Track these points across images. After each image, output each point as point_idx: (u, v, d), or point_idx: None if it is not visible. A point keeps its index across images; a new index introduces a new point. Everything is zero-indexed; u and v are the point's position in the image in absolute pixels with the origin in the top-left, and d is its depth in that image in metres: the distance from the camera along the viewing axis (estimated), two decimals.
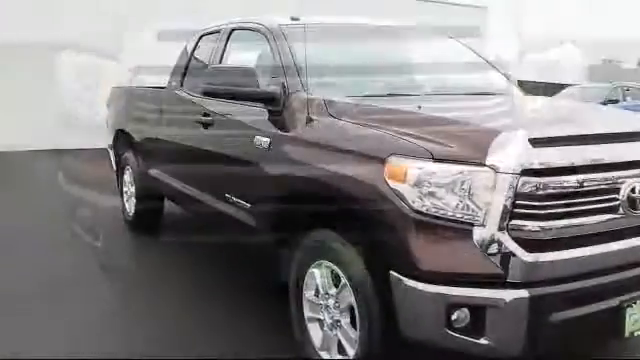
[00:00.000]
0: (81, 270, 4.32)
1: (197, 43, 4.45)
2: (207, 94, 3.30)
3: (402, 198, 2.21)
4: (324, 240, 2.66)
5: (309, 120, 2.81)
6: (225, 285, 4.05)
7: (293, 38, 3.33)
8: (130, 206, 5.54)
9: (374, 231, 2.36)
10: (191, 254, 4.73)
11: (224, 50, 3.92)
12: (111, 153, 6.13)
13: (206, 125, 3.75)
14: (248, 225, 3.29)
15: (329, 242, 2.61)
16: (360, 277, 2.42)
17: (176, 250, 4.83)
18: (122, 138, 5.60)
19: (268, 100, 3.13)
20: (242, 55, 3.79)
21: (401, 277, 2.22)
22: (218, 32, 4.12)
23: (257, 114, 3.22)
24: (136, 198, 5.28)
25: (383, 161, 2.29)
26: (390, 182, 2.25)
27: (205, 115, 3.78)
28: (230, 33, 3.94)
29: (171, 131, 4.41)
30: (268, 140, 3.03)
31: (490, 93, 3.45)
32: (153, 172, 4.82)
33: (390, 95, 3.07)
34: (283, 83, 3.12)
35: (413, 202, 2.19)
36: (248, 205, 3.30)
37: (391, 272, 2.26)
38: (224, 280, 4.16)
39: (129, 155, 5.41)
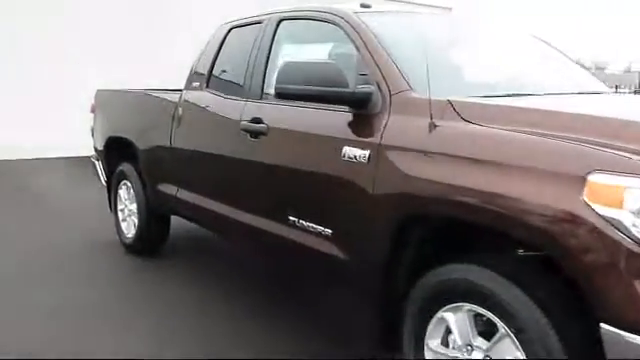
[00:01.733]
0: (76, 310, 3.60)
1: (225, 37, 3.81)
2: (280, 95, 2.68)
3: (619, 228, 1.69)
4: (466, 278, 2.10)
5: (433, 126, 2.25)
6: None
7: (377, 29, 2.77)
8: (129, 226, 4.82)
9: (564, 269, 1.83)
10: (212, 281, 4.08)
11: (272, 44, 3.30)
12: (98, 165, 5.38)
13: (256, 134, 3.13)
14: (329, 255, 2.70)
15: (476, 280, 2.06)
16: (538, 328, 1.88)
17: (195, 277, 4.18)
18: (118, 147, 4.87)
19: (360, 102, 2.55)
20: (299, 49, 3.20)
21: (622, 332, 1.69)
22: (258, 23, 3.50)
23: (337, 119, 2.65)
24: (139, 217, 4.56)
25: (581, 179, 1.76)
26: (596, 206, 1.73)
27: (255, 121, 3.15)
28: (278, 24, 3.32)
29: (197, 140, 3.75)
30: (367, 152, 2.45)
31: (602, 92, 3.00)
32: (165, 188, 4.14)
33: (511, 95, 2.54)
34: (378, 82, 2.55)
35: (636, 233, 1.68)
36: (329, 231, 2.71)
37: (603, 325, 1.73)
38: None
39: (129, 167, 4.69)
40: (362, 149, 2.48)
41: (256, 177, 3.19)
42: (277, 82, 2.64)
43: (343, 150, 2.56)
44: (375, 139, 2.44)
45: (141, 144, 4.40)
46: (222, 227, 3.66)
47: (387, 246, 2.40)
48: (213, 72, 3.80)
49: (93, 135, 5.42)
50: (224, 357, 2.97)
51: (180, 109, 3.92)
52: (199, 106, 3.78)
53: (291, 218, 2.93)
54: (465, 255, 2.20)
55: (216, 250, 4.96)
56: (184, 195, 3.91)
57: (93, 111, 5.39)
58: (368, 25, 2.78)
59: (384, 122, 2.45)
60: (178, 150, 3.91)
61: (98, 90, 5.47)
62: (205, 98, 3.76)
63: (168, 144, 4.01)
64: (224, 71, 3.75)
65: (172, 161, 4.00)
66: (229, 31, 3.80)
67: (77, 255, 4.74)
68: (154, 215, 4.51)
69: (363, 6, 3.03)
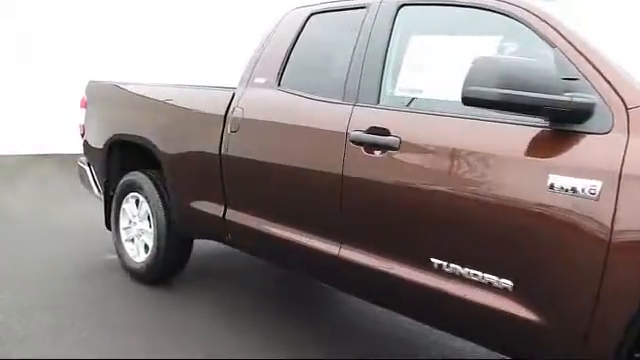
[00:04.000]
0: None
1: (304, 25, 3.07)
2: (472, 101, 2.00)
3: None
4: None
5: None
6: None
7: (574, 24, 2.16)
8: (137, 248, 3.97)
9: None
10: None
11: (390, 35, 2.61)
12: (90, 170, 4.47)
13: (379, 147, 2.43)
14: (504, 313, 2.06)
15: None
16: None
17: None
18: (126, 150, 4.02)
19: (578, 116, 1.93)
20: (438, 43, 2.53)
21: None
22: (359, 9, 2.80)
23: (531, 136, 2.02)
24: (157, 239, 3.71)
25: None
26: None
27: (375, 132, 2.46)
28: (397, 10, 2.64)
29: (268, 150, 2.99)
30: (596, 184, 1.82)
31: None
32: (205, 206, 3.34)
33: None
34: (600, 91, 1.93)
35: None
36: (507, 282, 2.06)
37: None
38: None
39: (142, 176, 3.84)
40: (587, 179, 1.85)
41: (375, 202, 2.48)
42: (467, 83, 1.96)
43: (549, 179, 1.92)
44: (610, 166, 1.82)
45: (168, 148, 3.57)
46: (309, 265, 2.90)
47: (627, 311, 1.78)
48: (287, 67, 3.05)
49: (83, 134, 4.51)
50: None
51: (238, 110, 3.14)
52: (270, 108, 3.03)
53: (435, 261, 2.26)
54: None
55: (235, 276, 4.21)
56: (239, 218, 3.13)
57: (84, 106, 4.48)
58: (563, 22, 2.15)
59: (622, 144, 1.83)
60: (234, 161, 3.12)
61: (91, 81, 4.56)
62: (279, 99, 3.01)
63: (216, 152, 3.21)
64: (306, 67, 3.02)
65: (221, 174, 3.20)
66: (309, 17, 3.07)
67: (72, 286, 3.84)
68: (178, 237, 3.69)
69: None
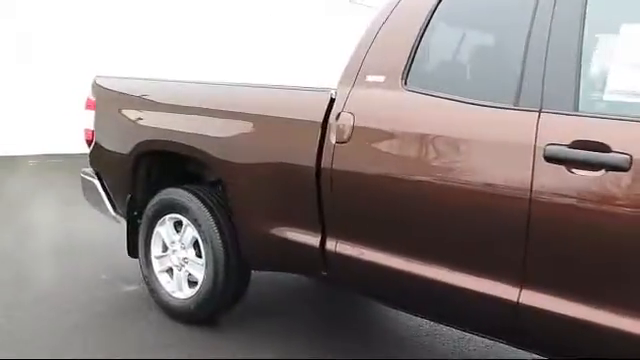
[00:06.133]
0: None
1: (435, 9, 2.47)
2: None
3: None
4: None
5: None
6: None
7: None
8: (178, 282, 3.25)
9: None
10: None
11: (584, 22, 2.04)
12: (99, 185, 3.68)
13: (598, 166, 1.88)
14: None
15: None
16: None
17: None
18: (158, 162, 3.32)
19: None
20: None
21: None
22: None
23: None
24: (212, 271, 3.01)
25: None
26: None
27: (584, 147, 1.91)
28: None
29: (407, 166, 2.34)
30: None
31: None
32: (291, 234, 2.69)
33: None
34: None
35: None
36: None
37: None
38: None
39: (186, 194, 3.12)
40: None
41: (592, 237, 1.93)
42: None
43: None
44: None
45: (234, 160, 2.88)
46: (478, 316, 2.28)
47: None
48: (414, 62, 2.44)
49: (91, 141, 3.71)
50: None
51: (346, 116, 2.50)
52: (397, 114, 2.41)
53: None
54: None
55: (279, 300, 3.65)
56: (349, 250, 2.50)
57: (93, 107, 3.69)
58: None
59: None
60: (343, 179, 2.48)
61: (99, 77, 3.78)
62: (408, 102, 2.39)
63: (312, 166, 2.56)
64: (445, 62, 2.44)
65: (319, 194, 2.55)
66: None
67: (102, 332, 3.09)
68: (239, 269, 3.01)
69: None
